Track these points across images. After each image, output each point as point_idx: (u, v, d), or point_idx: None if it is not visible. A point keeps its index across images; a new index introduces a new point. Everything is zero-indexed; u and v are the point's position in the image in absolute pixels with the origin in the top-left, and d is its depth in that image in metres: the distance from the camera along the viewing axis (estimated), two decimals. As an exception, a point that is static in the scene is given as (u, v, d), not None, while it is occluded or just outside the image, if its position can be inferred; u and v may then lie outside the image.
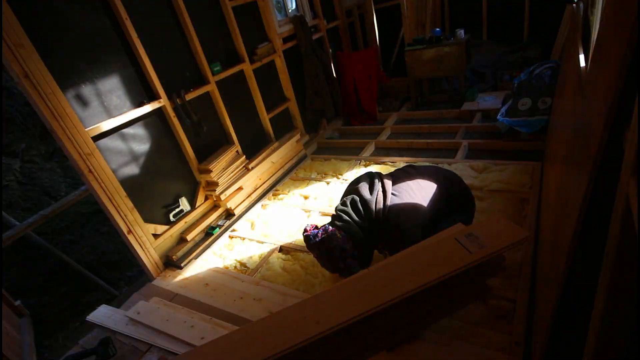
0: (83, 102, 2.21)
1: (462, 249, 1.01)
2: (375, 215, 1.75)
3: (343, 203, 1.87)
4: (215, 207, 3.11)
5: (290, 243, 2.65)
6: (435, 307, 1.13)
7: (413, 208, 1.72)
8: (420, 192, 1.77)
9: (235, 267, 2.58)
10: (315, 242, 1.80)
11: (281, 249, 2.63)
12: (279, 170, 3.63)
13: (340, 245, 1.75)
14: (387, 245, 1.85)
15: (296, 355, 0.90)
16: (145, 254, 2.56)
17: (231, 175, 3.12)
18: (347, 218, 1.78)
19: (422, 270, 0.98)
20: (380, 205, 1.74)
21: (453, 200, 1.85)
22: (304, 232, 1.88)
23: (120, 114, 2.39)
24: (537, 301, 1.60)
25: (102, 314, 2.32)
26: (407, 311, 1.06)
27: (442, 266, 0.98)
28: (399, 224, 1.68)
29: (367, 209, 1.77)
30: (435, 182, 1.82)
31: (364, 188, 1.80)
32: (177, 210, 2.80)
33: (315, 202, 3.08)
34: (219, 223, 3.04)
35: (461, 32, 4.01)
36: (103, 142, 2.32)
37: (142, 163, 2.57)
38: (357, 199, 1.81)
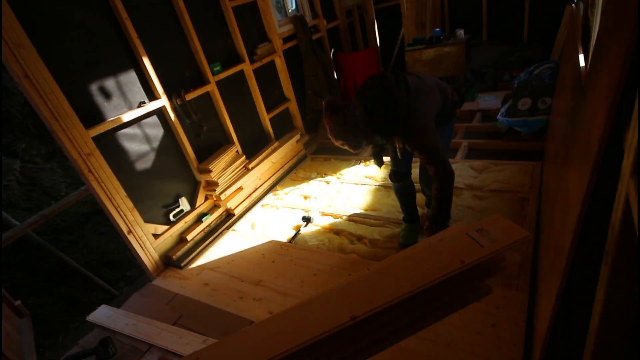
0: (83, 102, 2.21)
1: (474, 243, 1.04)
2: (399, 106, 1.83)
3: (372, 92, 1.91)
4: (215, 207, 3.11)
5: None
6: (437, 307, 1.13)
7: (429, 105, 1.90)
8: (428, 96, 1.92)
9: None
10: (338, 105, 1.82)
11: (281, 249, 2.64)
12: (279, 170, 3.64)
13: (357, 117, 1.82)
14: (403, 135, 1.93)
15: (298, 352, 0.90)
16: (145, 254, 2.56)
17: (231, 175, 3.12)
18: (373, 101, 1.85)
19: (440, 262, 1.00)
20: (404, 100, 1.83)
21: (442, 113, 2.00)
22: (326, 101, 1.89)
23: (120, 114, 2.39)
24: (537, 301, 1.61)
25: (102, 314, 2.33)
26: (410, 309, 1.06)
27: (457, 259, 0.99)
28: (417, 113, 1.84)
29: (393, 100, 1.83)
30: (438, 93, 1.97)
31: (390, 82, 1.86)
32: (177, 210, 2.80)
33: (315, 202, 3.08)
34: (218, 224, 3.04)
35: (461, 32, 4.01)
36: (103, 142, 2.32)
37: (142, 163, 2.57)
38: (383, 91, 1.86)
